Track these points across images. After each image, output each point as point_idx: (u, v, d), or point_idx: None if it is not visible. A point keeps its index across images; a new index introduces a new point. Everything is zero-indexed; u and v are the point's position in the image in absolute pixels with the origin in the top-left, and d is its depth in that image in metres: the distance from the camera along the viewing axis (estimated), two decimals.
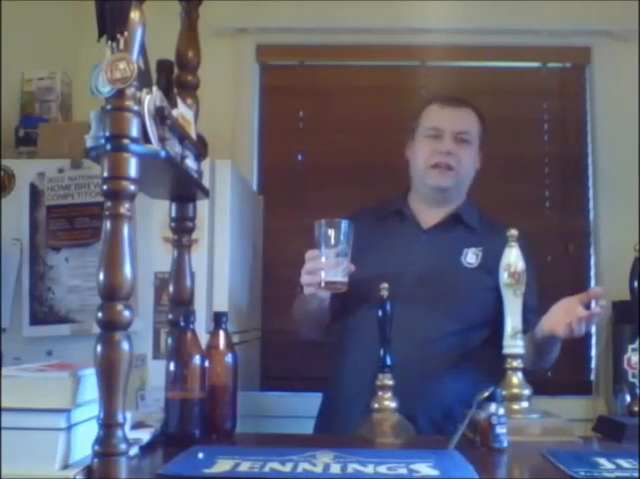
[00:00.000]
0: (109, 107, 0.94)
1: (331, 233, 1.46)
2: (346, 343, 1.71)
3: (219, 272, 1.91)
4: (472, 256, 1.68)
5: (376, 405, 1.35)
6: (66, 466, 0.97)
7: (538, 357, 1.58)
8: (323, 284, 1.47)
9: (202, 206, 1.49)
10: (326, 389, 1.78)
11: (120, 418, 0.92)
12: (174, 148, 1.13)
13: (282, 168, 2.80)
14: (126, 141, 0.94)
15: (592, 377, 2.70)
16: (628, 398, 1.43)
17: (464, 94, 2.81)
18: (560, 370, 2.70)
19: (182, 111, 1.22)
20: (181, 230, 1.35)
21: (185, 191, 1.31)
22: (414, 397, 1.49)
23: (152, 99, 1.01)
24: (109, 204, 0.94)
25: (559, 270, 2.67)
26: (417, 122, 1.78)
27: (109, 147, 0.94)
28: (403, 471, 1.00)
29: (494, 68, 2.84)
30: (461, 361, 1.62)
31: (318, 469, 1.01)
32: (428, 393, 1.58)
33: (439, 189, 1.72)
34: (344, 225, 1.47)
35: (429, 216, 1.75)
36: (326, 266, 1.46)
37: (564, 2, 2.68)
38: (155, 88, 1.04)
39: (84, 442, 0.98)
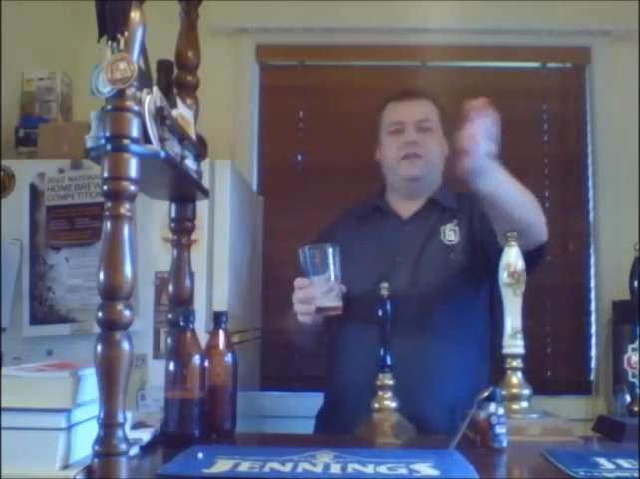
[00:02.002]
0: (109, 107, 0.94)
1: (317, 259, 1.47)
2: (344, 345, 1.70)
3: (219, 272, 1.91)
4: (449, 233, 1.69)
5: (376, 405, 1.34)
6: (66, 466, 0.97)
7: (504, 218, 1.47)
8: (319, 311, 1.49)
9: (202, 206, 1.49)
10: (325, 391, 1.77)
11: (120, 418, 0.92)
12: (174, 148, 1.13)
13: (282, 168, 2.80)
14: (126, 141, 0.94)
15: (592, 377, 2.70)
16: (628, 398, 1.43)
17: (463, 94, 2.84)
18: (560, 370, 2.71)
19: (182, 111, 1.22)
20: (181, 230, 1.35)
21: (185, 191, 1.31)
22: (419, 394, 1.50)
23: (152, 99, 1.01)
24: (109, 204, 0.94)
25: (559, 270, 2.67)
26: (379, 123, 1.82)
27: (109, 147, 0.94)
28: (403, 471, 1.00)
29: (494, 68, 2.84)
30: (462, 347, 1.62)
31: (318, 469, 1.01)
32: (434, 388, 1.58)
33: (411, 178, 1.75)
34: (329, 250, 1.47)
35: (407, 206, 1.77)
36: (319, 294, 1.48)
37: (564, 2, 2.69)
38: (155, 88, 1.04)
39: (84, 442, 0.98)
